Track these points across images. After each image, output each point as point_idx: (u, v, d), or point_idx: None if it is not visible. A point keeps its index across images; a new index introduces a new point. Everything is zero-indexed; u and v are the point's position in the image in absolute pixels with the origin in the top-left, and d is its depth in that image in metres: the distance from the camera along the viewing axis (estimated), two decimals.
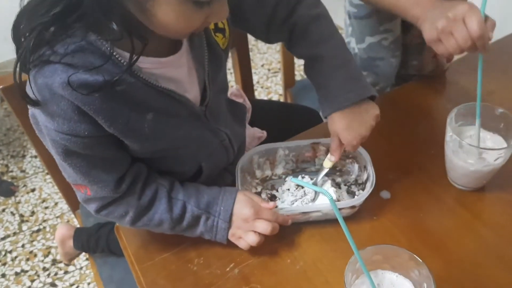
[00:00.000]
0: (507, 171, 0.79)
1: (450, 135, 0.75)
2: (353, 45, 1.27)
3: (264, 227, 0.72)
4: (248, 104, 1.07)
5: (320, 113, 0.81)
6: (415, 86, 1.05)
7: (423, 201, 0.80)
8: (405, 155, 0.88)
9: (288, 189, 0.83)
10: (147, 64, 0.64)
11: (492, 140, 0.78)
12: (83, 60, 0.57)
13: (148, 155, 0.73)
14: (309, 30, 0.79)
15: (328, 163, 0.81)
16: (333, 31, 0.80)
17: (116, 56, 0.60)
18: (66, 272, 1.66)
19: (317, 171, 0.87)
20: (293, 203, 0.81)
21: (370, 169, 0.77)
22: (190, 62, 0.72)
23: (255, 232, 0.73)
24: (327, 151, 0.84)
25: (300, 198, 0.81)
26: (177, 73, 0.70)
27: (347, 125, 0.76)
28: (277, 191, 0.84)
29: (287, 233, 0.77)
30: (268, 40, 0.86)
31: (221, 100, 0.85)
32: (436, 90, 0.79)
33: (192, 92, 0.73)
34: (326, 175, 0.85)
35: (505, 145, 0.77)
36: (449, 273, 0.70)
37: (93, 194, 0.70)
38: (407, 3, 0.85)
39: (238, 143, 0.89)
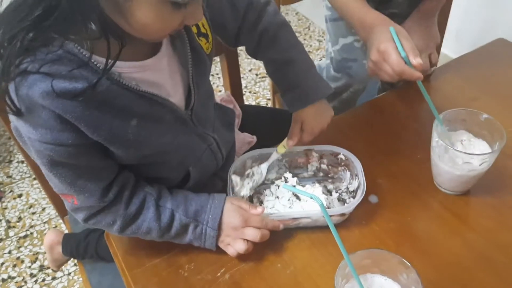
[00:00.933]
0: (491, 175, 0.81)
1: (436, 140, 0.77)
2: (330, 49, 1.29)
3: (253, 234, 0.73)
4: (238, 110, 1.08)
5: (287, 107, 0.90)
6: (400, 92, 1.07)
7: (411, 205, 0.82)
8: (393, 160, 0.90)
9: (278, 197, 0.84)
10: (125, 68, 0.64)
11: (477, 144, 0.80)
12: (61, 68, 0.57)
13: (135, 162, 0.73)
14: (278, 37, 0.86)
15: (282, 148, 0.85)
16: (296, 37, 0.89)
17: (94, 63, 0.60)
18: (54, 278, 1.64)
19: (310, 177, 0.88)
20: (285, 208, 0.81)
21: (362, 178, 0.78)
22: (174, 65, 0.73)
23: (244, 239, 0.74)
24: (320, 158, 0.85)
25: (291, 204, 0.82)
26: (158, 76, 0.70)
27: (314, 114, 0.87)
28: (268, 196, 0.85)
29: (277, 238, 0.78)
30: (235, 44, 0.90)
31: (208, 105, 0.85)
32: (421, 96, 0.81)
33: (176, 96, 0.74)
34: (318, 181, 0.86)
35: (489, 150, 0.78)
36: (437, 276, 0.71)
37: (79, 204, 0.70)
38: (356, 24, 0.91)
39: (227, 148, 0.89)
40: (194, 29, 0.74)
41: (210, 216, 0.74)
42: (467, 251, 0.74)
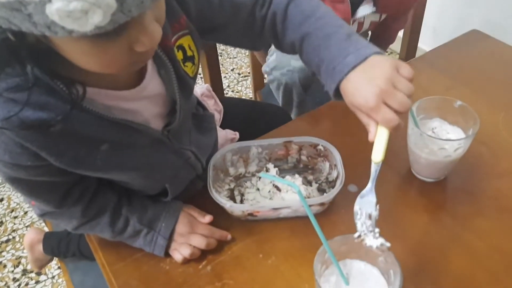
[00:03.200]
0: (466, 162, 0.82)
1: (411, 128, 0.78)
2: None
3: (199, 241, 0.75)
4: (219, 106, 1.08)
5: (332, 97, 0.68)
6: None
7: (389, 193, 0.83)
8: (370, 150, 0.90)
9: (258, 189, 0.85)
10: (101, 96, 0.60)
11: (452, 131, 0.82)
12: (26, 95, 0.51)
13: (104, 181, 0.74)
14: (289, 14, 0.72)
15: (376, 156, 0.64)
16: (314, 5, 0.72)
17: (64, 90, 0.54)
18: (37, 282, 1.62)
19: (290, 169, 0.88)
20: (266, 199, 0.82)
21: (340, 168, 0.79)
22: (157, 89, 0.69)
23: (190, 245, 0.75)
24: (300, 149, 0.86)
25: (272, 196, 0.82)
26: (136, 105, 0.66)
27: (355, 89, 0.63)
28: (249, 188, 0.86)
29: (258, 229, 0.78)
30: (255, 45, 0.82)
31: (187, 120, 0.80)
32: None
33: (155, 120, 0.70)
34: (298, 173, 0.87)
35: (464, 135, 0.80)
36: (415, 260, 0.72)
37: (37, 205, 0.72)
38: None
39: (207, 154, 0.86)
40: (180, 55, 0.69)
41: (163, 224, 0.76)
42: (444, 236, 0.76)
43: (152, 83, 0.67)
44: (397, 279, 0.59)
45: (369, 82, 0.60)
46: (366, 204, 0.64)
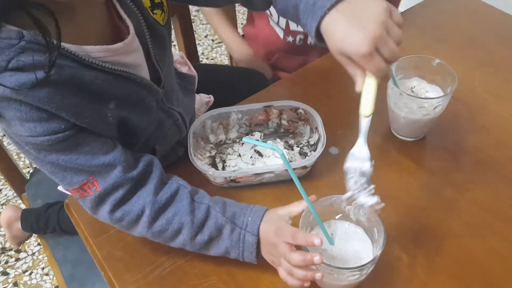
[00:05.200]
0: (445, 120, 0.84)
1: (391, 88, 0.78)
2: None
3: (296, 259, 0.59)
4: (194, 73, 1.06)
5: (311, 39, 0.65)
6: None
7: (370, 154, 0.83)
8: (350, 111, 0.90)
9: (240, 155, 0.84)
10: (96, 53, 0.60)
11: (430, 90, 0.82)
12: (27, 59, 0.51)
13: None
14: None
15: (366, 108, 0.60)
16: None
17: (64, 48, 0.55)
18: (17, 260, 1.60)
19: (271, 134, 0.88)
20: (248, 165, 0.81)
21: (321, 130, 0.78)
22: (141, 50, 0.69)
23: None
24: (280, 113, 0.85)
25: (254, 161, 0.82)
26: (131, 58, 0.66)
27: (343, 31, 0.55)
28: (230, 154, 0.85)
29: (241, 196, 0.78)
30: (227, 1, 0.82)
31: (173, 78, 0.82)
32: None
33: (148, 76, 0.71)
34: (279, 137, 0.86)
35: (442, 93, 0.80)
36: (397, 217, 0.74)
37: (103, 187, 0.62)
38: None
39: (189, 117, 0.87)
40: (147, 3, 0.68)
41: (249, 218, 0.65)
42: (425, 192, 0.77)
43: (135, 39, 0.67)
44: (381, 237, 0.60)
45: (361, 25, 0.53)
46: (358, 161, 0.60)
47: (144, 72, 0.70)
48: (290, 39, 1.17)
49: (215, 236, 0.65)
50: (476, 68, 0.97)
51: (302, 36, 1.16)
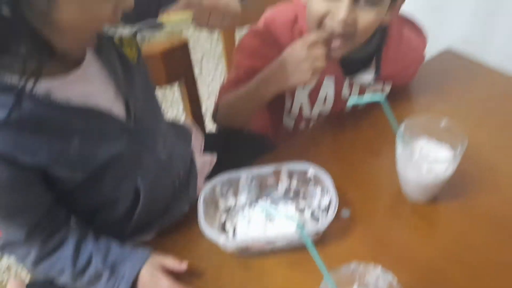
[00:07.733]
0: (456, 181, 0.82)
1: (400, 150, 0.78)
2: None
3: None
4: (201, 134, 1.06)
5: None
6: (361, 107, 1.07)
7: (382, 216, 0.83)
8: (361, 172, 0.90)
9: (250, 221, 0.83)
10: (55, 83, 0.62)
11: (440, 150, 0.82)
12: None
13: (79, 180, 0.69)
14: None
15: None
16: None
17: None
18: None
19: (281, 196, 0.86)
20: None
21: (333, 193, 0.77)
22: (103, 76, 0.70)
23: None
24: (290, 176, 0.84)
25: (265, 227, 0.81)
26: (89, 87, 0.68)
27: None
28: (240, 220, 0.84)
29: (254, 263, 0.76)
30: None
31: (153, 118, 0.82)
32: (380, 108, 0.81)
33: (116, 106, 0.71)
34: (290, 200, 0.85)
35: (452, 155, 0.80)
36: (416, 282, 0.72)
37: (5, 238, 0.70)
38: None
39: (184, 162, 0.87)
40: (117, 40, 0.74)
41: (127, 271, 0.72)
42: (440, 254, 0.76)
43: (95, 66, 0.69)
44: None
45: None
46: None
47: (109, 103, 0.70)
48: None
49: (94, 280, 0.72)
50: (484, 126, 0.98)
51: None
